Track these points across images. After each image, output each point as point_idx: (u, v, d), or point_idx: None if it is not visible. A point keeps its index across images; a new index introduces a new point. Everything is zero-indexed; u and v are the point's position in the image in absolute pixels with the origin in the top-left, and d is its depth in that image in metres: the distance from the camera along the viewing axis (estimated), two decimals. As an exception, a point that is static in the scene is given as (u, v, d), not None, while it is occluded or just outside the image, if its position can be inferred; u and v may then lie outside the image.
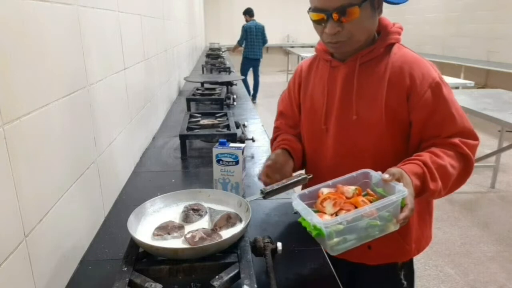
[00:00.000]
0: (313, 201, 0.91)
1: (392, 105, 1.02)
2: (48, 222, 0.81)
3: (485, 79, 7.60)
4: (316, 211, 0.86)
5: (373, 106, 1.03)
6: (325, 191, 0.90)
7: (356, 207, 0.83)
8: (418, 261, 2.65)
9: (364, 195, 0.89)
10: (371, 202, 0.85)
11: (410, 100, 1.01)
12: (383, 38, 1.05)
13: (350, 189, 0.89)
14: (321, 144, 1.15)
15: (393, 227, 0.84)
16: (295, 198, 0.89)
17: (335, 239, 0.80)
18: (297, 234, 1.09)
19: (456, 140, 0.99)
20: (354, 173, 0.93)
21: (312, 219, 0.80)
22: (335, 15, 0.95)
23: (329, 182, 0.92)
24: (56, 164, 0.87)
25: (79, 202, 0.99)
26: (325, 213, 0.86)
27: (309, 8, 1.01)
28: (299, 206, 0.86)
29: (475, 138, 1.02)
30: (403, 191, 0.83)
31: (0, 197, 0.65)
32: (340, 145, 1.10)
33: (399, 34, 1.07)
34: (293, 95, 1.25)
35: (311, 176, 1.04)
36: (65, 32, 0.94)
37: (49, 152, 0.84)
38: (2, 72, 0.67)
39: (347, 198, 0.87)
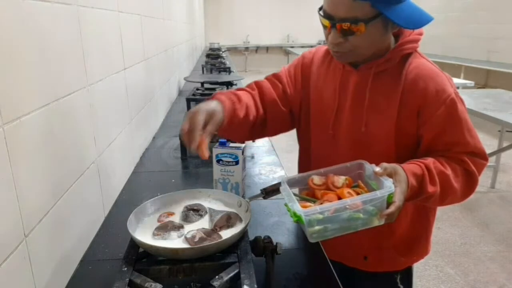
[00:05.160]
0: (302, 187, 0.92)
1: (403, 120, 0.98)
2: (48, 222, 0.81)
3: (485, 79, 7.60)
4: (303, 198, 0.88)
5: (383, 120, 1.00)
6: (315, 178, 0.91)
7: (340, 199, 0.83)
8: (418, 261, 2.65)
9: (354, 187, 0.88)
10: (358, 194, 0.85)
11: (420, 116, 0.98)
12: (398, 48, 0.99)
13: (340, 179, 0.89)
14: (328, 149, 1.10)
15: (377, 222, 0.83)
16: (283, 182, 0.89)
17: (316, 227, 0.80)
18: (297, 234, 1.09)
19: (464, 157, 0.97)
20: (348, 163, 0.93)
21: (292, 205, 0.81)
22: (338, 26, 0.90)
23: (321, 170, 0.92)
24: (56, 164, 0.87)
25: (79, 202, 0.99)
26: (318, 198, 0.87)
27: (320, 7, 0.95)
28: (285, 191, 0.87)
29: (485, 158, 1.00)
30: (389, 187, 0.82)
31: (0, 197, 0.65)
32: (348, 155, 1.03)
33: (417, 41, 1.01)
34: (293, 77, 1.15)
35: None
36: (65, 32, 0.94)
37: (49, 152, 0.84)
38: (2, 72, 0.67)
39: (336, 187, 0.88)
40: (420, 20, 0.91)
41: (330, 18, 0.91)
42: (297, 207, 0.79)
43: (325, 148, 1.11)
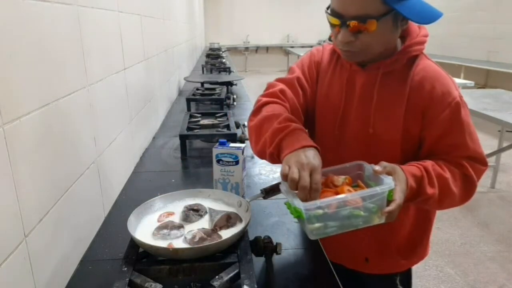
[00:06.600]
0: None
1: (408, 122, 0.98)
2: (48, 222, 0.81)
3: (485, 79, 7.60)
4: None
5: (390, 122, 1.00)
6: None
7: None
8: (418, 261, 2.65)
9: (354, 186, 0.88)
10: None
11: (425, 117, 0.98)
12: (406, 50, 0.98)
13: (340, 178, 0.88)
14: (333, 150, 1.08)
15: (378, 220, 0.83)
16: (283, 182, 0.88)
17: (316, 224, 0.79)
18: (297, 234, 1.09)
19: (463, 161, 0.97)
20: (347, 164, 0.93)
21: (292, 201, 0.80)
22: (349, 24, 0.88)
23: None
24: (56, 164, 0.87)
25: (79, 202, 0.99)
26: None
27: (328, 7, 0.94)
28: (283, 187, 0.86)
29: (484, 163, 0.99)
30: (389, 183, 0.82)
31: (0, 197, 0.65)
32: (354, 157, 1.00)
33: (423, 43, 1.00)
34: (308, 77, 1.12)
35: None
36: (65, 32, 0.94)
37: (49, 152, 0.84)
38: (2, 72, 0.67)
39: (335, 186, 0.87)
40: (432, 15, 0.89)
41: (339, 16, 0.90)
42: (297, 202, 0.78)
43: (331, 149, 1.09)
